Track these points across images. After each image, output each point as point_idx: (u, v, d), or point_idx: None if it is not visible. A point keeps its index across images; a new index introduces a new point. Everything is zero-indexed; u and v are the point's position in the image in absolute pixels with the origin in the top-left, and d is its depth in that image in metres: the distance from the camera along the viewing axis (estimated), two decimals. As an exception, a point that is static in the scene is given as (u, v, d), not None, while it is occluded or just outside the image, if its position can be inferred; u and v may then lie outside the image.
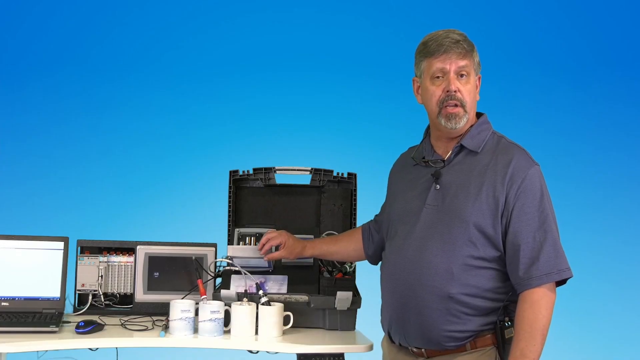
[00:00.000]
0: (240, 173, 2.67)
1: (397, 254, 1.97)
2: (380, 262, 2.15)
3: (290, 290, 2.44)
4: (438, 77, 1.92)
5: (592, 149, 3.98)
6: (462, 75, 1.91)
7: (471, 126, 1.96)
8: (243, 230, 2.66)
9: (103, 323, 2.34)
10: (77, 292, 2.54)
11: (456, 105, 1.90)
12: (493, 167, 1.87)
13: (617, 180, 3.95)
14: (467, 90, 1.91)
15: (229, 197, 2.65)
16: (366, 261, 2.38)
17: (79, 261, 2.56)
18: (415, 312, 1.91)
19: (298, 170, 2.67)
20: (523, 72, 4.03)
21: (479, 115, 2.00)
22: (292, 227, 2.51)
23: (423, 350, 1.94)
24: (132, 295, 2.57)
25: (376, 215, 2.31)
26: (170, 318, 2.25)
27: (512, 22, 4.07)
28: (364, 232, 2.31)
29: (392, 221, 2.05)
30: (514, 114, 3.89)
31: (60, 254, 2.48)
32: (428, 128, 2.08)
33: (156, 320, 2.41)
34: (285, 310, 2.29)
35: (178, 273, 2.58)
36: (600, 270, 3.80)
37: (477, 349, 1.88)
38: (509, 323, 1.85)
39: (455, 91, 1.89)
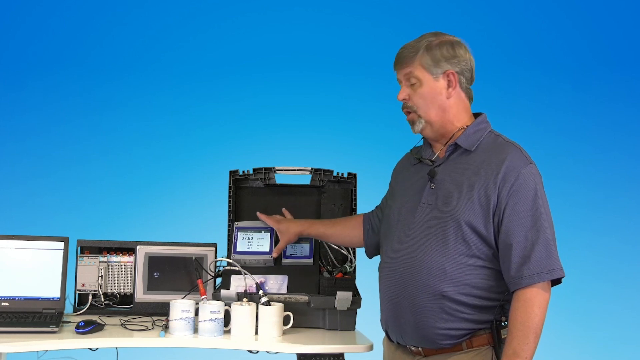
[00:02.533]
0: (240, 173, 2.67)
1: (394, 253, 1.98)
2: (378, 261, 2.15)
3: (290, 290, 2.44)
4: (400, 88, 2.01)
5: (592, 149, 3.98)
6: (413, 83, 1.96)
7: (468, 125, 1.97)
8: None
9: (103, 323, 2.34)
10: (77, 292, 2.54)
11: (409, 112, 2.00)
12: (487, 166, 1.88)
13: (617, 180, 3.95)
14: (419, 95, 1.96)
15: (229, 197, 2.64)
16: (366, 261, 2.37)
17: (79, 261, 2.56)
18: (410, 311, 1.91)
19: (298, 170, 2.66)
20: (523, 72, 4.03)
21: (477, 115, 2.01)
22: (292, 227, 2.50)
23: (420, 348, 1.95)
24: (132, 295, 2.57)
25: (377, 207, 2.31)
26: (170, 318, 2.25)
27: (512, 22, 4.07)
28: (365, 222, 2.32)
29: (390, 220, 2.06)
30: (514, 114, 3.89)
31: (60, 254, 2.48)
32: None
33: (156, 320, 2.41)
34: (285, 310, 2.29)
35: (178, 273, 2.58)
36: (600, 270, 3.80)
37: (473, 348, 1.88)
38: (505, 323, 1.85)
39: (403, 99, 1.99)
